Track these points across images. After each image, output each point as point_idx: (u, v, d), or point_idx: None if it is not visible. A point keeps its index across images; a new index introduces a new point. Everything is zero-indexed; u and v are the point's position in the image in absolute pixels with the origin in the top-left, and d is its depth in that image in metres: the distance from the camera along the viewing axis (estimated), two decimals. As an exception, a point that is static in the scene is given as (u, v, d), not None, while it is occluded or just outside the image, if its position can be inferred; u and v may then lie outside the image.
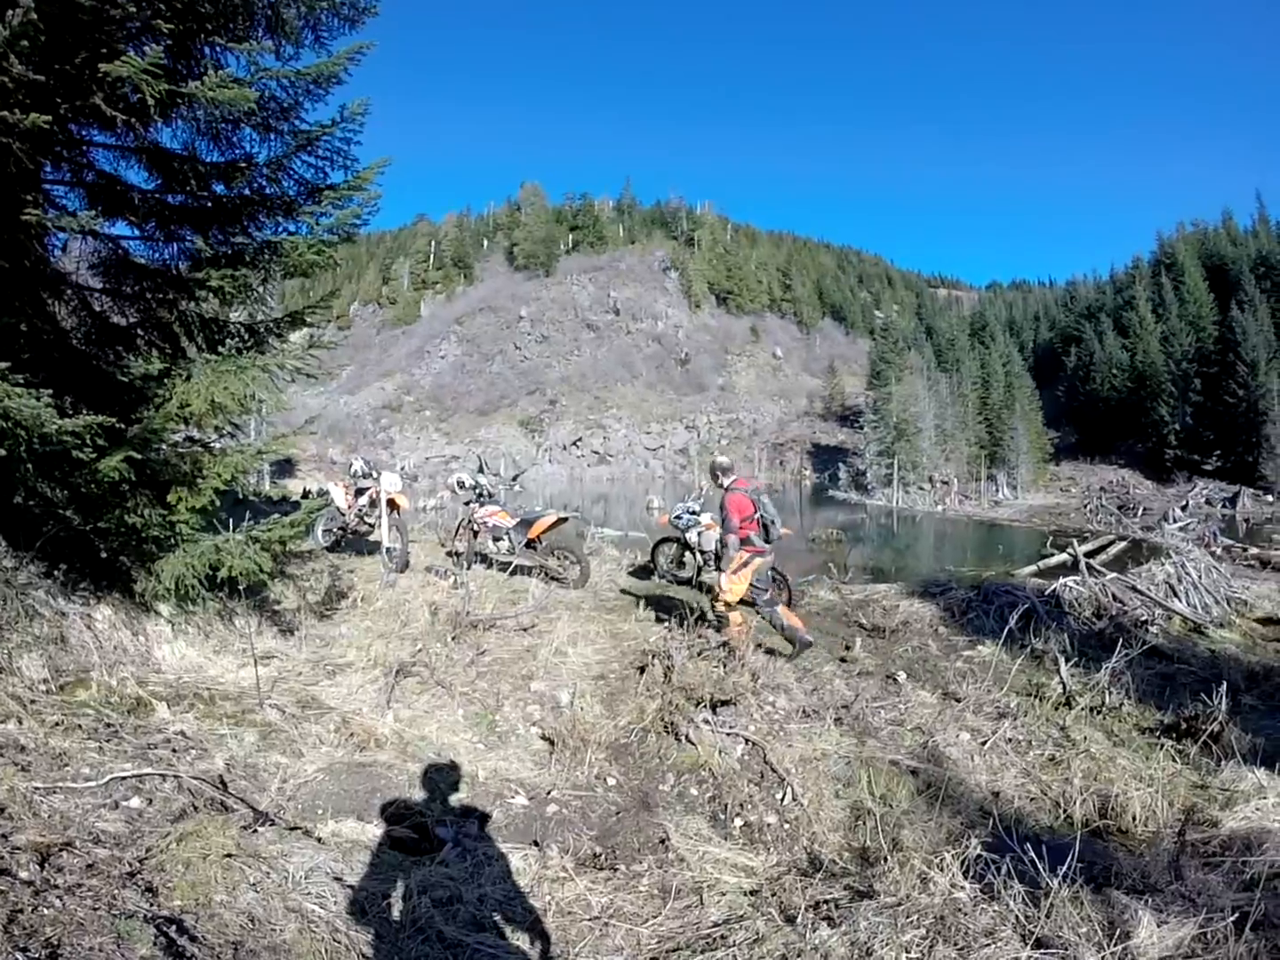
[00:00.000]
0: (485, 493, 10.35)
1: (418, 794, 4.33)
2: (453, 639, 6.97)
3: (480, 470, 10.84)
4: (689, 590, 9.55)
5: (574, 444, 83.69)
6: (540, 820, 4.32)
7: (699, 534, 9.66)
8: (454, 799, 4.41)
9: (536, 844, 4.01)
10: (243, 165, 5.96)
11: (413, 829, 3.97)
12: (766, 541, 7.20)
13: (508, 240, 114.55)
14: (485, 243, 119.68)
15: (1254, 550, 27.05)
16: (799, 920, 3.14)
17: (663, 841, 4.13)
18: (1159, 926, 3.04)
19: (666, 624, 7.62)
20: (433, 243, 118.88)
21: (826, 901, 3.36)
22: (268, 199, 6.13)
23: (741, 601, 7.40)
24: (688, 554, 10.13)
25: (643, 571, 10.78)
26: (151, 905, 2.71)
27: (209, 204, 6.03)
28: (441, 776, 4.54)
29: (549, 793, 4.62)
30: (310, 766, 4.36)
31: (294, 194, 6.20)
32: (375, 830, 3.89)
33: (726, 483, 7.37)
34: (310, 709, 5.21)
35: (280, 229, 6.23)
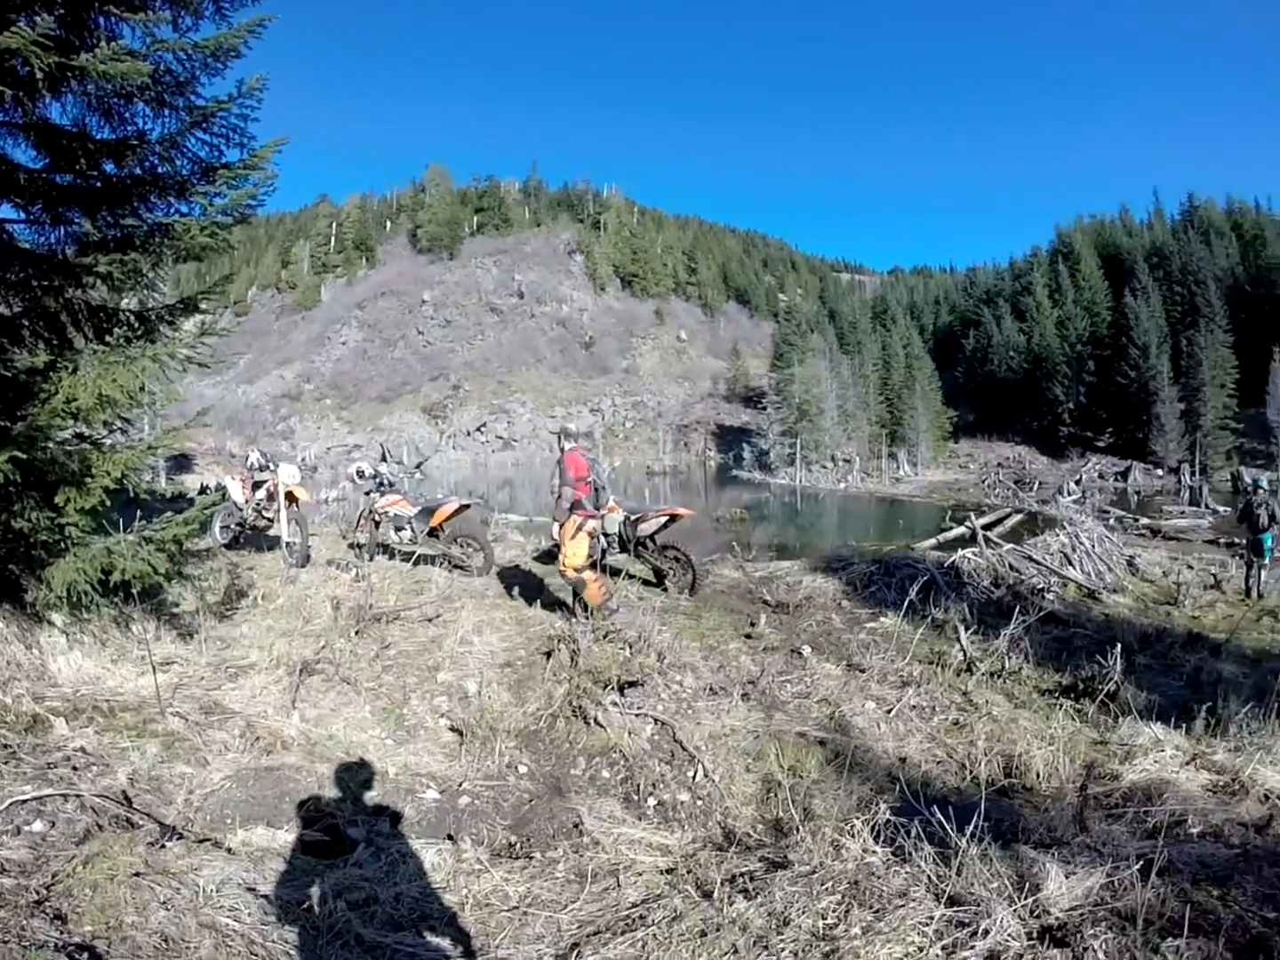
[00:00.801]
0: (386, 482, 10.16)
1: (328, 795, 4.28)
2: (356, 634, 6.79)
3: (383, 459, 10.66)
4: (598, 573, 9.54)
5: (478, 429, 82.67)
6: (453, 813, 4.31)
7: (602, 517, 9.63)
8: (365, 798, 4.36)
9: (450, 838, 4.00)
10: (135, 143, 5.65)
11: (325, 832, 3.92)
12: (595, 507, 7.46)
13: (411, 222, 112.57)
14: (388, 225, 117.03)
15: (1145, 520, 29.41)
16: (716, 895, 3.17)
17: (577, 826, 4.16)
18: (1067, 878, 3.12)
19: (572, 608, 7.60)
20: (334, 225, 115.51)
21: (742, 874, 3.40)
22: (160, 178, 5.83)
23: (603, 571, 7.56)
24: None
25: (548, 556, 10.63)
26: (62, 933, 2.65)
27: (98, 184, 5.71)
28: (351, 776, 4.48)
29: (460, 785, 4.61)
30: (217, 775, 4.26)
31: (187, 173, 5.92)
32: (287, 836, 3.82)
33: (568, 446, 7.62)
34: (214, 715, 5.02)
35: (172, 210, 5.94)
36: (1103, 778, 4.91)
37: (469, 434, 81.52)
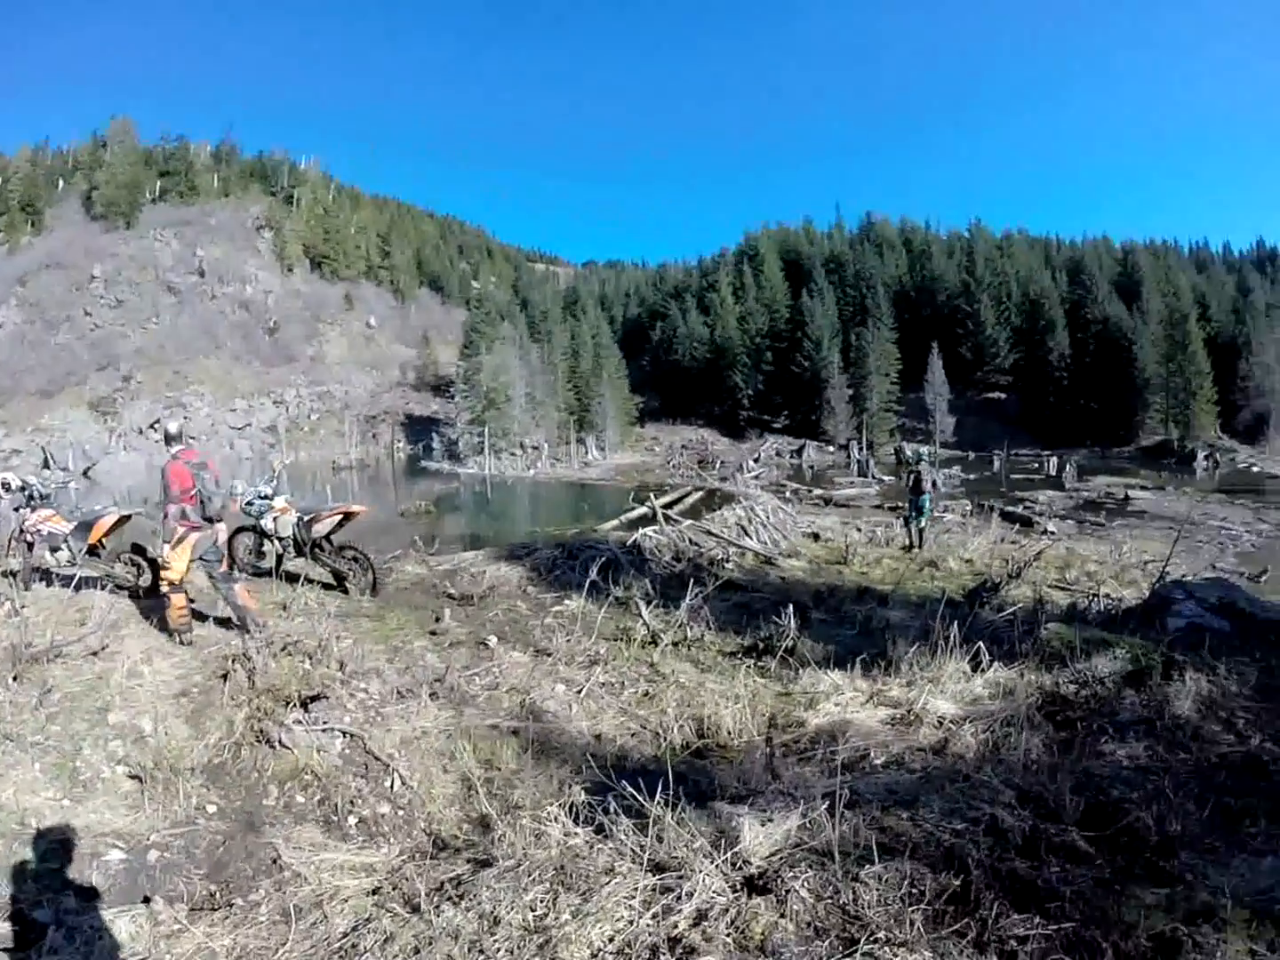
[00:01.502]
0: (37, 494, 8.63)
1: (5, 878, 3.73)
2: (14, 679, 5.73)
3: (46, 465, 9.07)
4: (275, 581, 8.78)
5: (152, 426, 71.47)
6: (144, 871, 3.94)
7: (274, 519, 9.02)
8: (48, 872, 3.86)
9: (146, 899, 3.68)
10: None
11: (11, 920, 3.47)
12: (204, 517, 6.89)
13: (87, 183, 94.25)
14: (61, 184, 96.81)
15: (818, 491, 33.25)
16: (424, 907, 3.13)
17: (276, 861, 3.98)
18: (763, 825, 3.25)
19: (244, 623, 7.02)
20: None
21: (449, 880, 3.38)
22: None
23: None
24: (266, 542, 9.33)
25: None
26: None
27: None
28: (30, 850, 3.97)
29: (149, 838, 4.21)
30: None
31: None
32: (-37, 939, 3.30)
33: (173, 450, 6.89)
34: None
35: None
36: (790, 726, 5.28)
37: (141, 432, 70.22)
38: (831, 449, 63.63)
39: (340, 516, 8.89)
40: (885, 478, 41.33)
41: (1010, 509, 25.46)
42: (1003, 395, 71.09)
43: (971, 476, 44.45)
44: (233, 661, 5.68)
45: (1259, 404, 59.19)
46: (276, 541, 9.06)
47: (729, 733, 5.51)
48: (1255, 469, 49.64)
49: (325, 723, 5.09)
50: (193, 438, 70.74)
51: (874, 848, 2.96)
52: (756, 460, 55.94)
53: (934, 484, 15.05)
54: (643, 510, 16.76)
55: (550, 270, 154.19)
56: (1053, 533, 20.39)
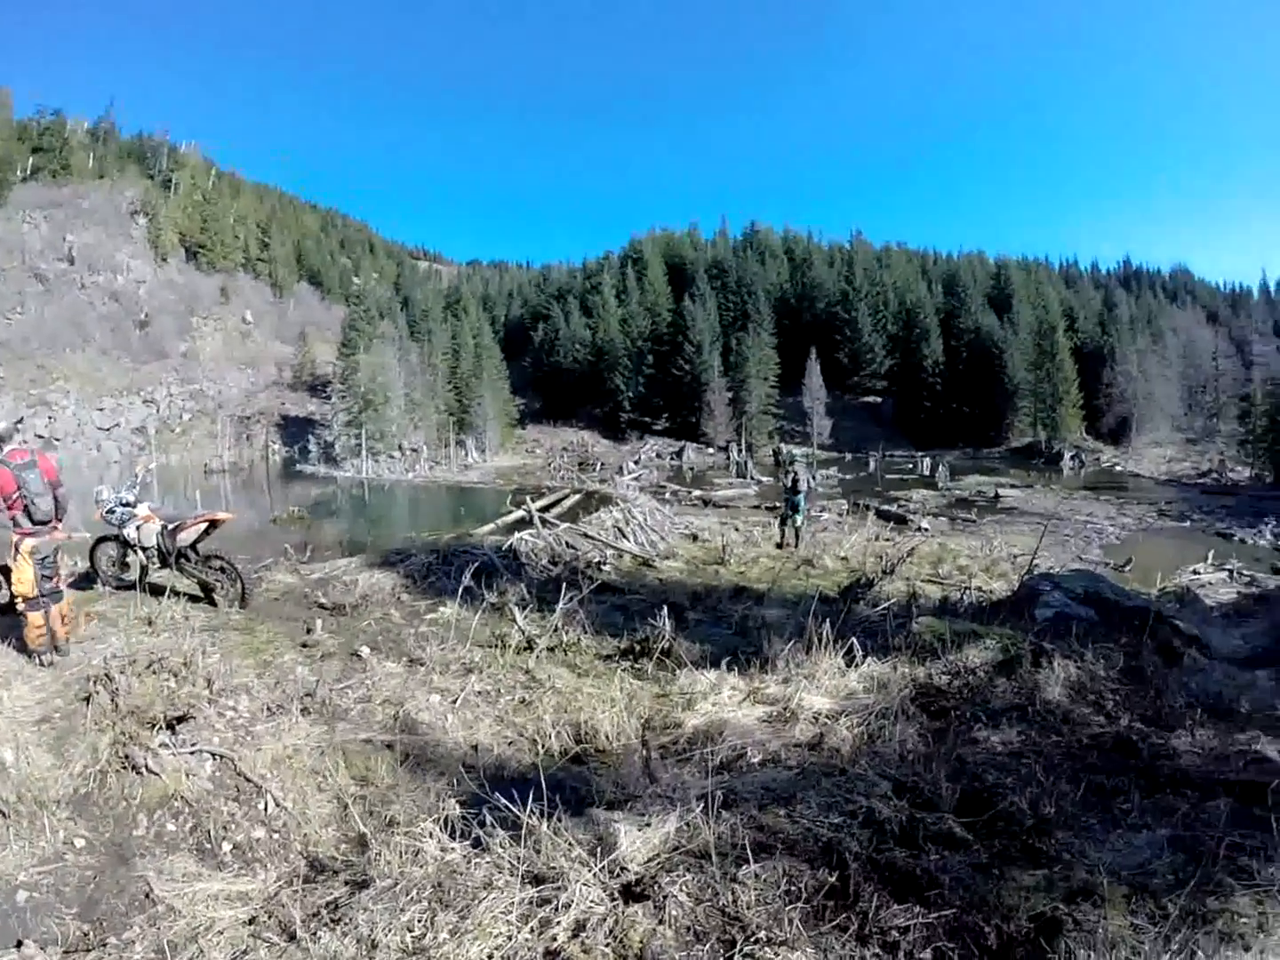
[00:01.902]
0: None
1: None
2: None
3: None
4: (138, 594, 8.23)
5: (15, 427, 66.18)
6: (15, 914, 3.73)
7: (137, 528, 8.58)
8: None
9: (19, 943, 3.51)
10: None
11: None
12: (33, 521, 6.48)
13: None
14: None
15: (698, 492, 33.80)
16: (300, 935, 3.06)
17: (149, 895, 3.81)
18: (640, 830, 3.22)
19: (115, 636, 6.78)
20: None
21: (327, 905, 3.30)
22: None
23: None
24: (130, 553, 8.85)
25: (85, 580, 9.19)
26: None
27: None
28: None
29: (17, 878, 3.99)
30: None
31: None
32: None
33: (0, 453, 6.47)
34: None
35: None
36: (668, 727, 5.27)
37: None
38: (711, 451, 65.07)
39: (206, 524, 8.56)
40: (764, 478, 42.47)
41: (885, 508, 26.51)
42: (879, 399, 74.15)
43: (848, 477, 46.11)
44: (94, 683, 5.35)
45: (1122, 408, 64.40)
46: (140, 552, 8.62)
47: (607, 737, 5.50)
48: (1119, 468, 53.67)
49: (193, 745, 4.88)
50: (57, 439, 66.22)
51: (752, 847, 2.95)
52: (637, 462, 56.63)
53: (809, 484, 15.44)
54: (520, 514, 16.63)
55: (433, 268, 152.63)
56: (926, 530, 21.27)
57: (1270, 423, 42.50)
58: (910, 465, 51.51)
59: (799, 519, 14.96)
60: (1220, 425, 59.35)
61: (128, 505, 8.63)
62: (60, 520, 6.70)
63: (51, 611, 6.48)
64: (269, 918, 3.38)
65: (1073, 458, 55.17)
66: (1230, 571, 16.86)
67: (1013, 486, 38.44)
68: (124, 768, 4.78)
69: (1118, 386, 64.53)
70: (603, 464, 55.92)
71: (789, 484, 15.04)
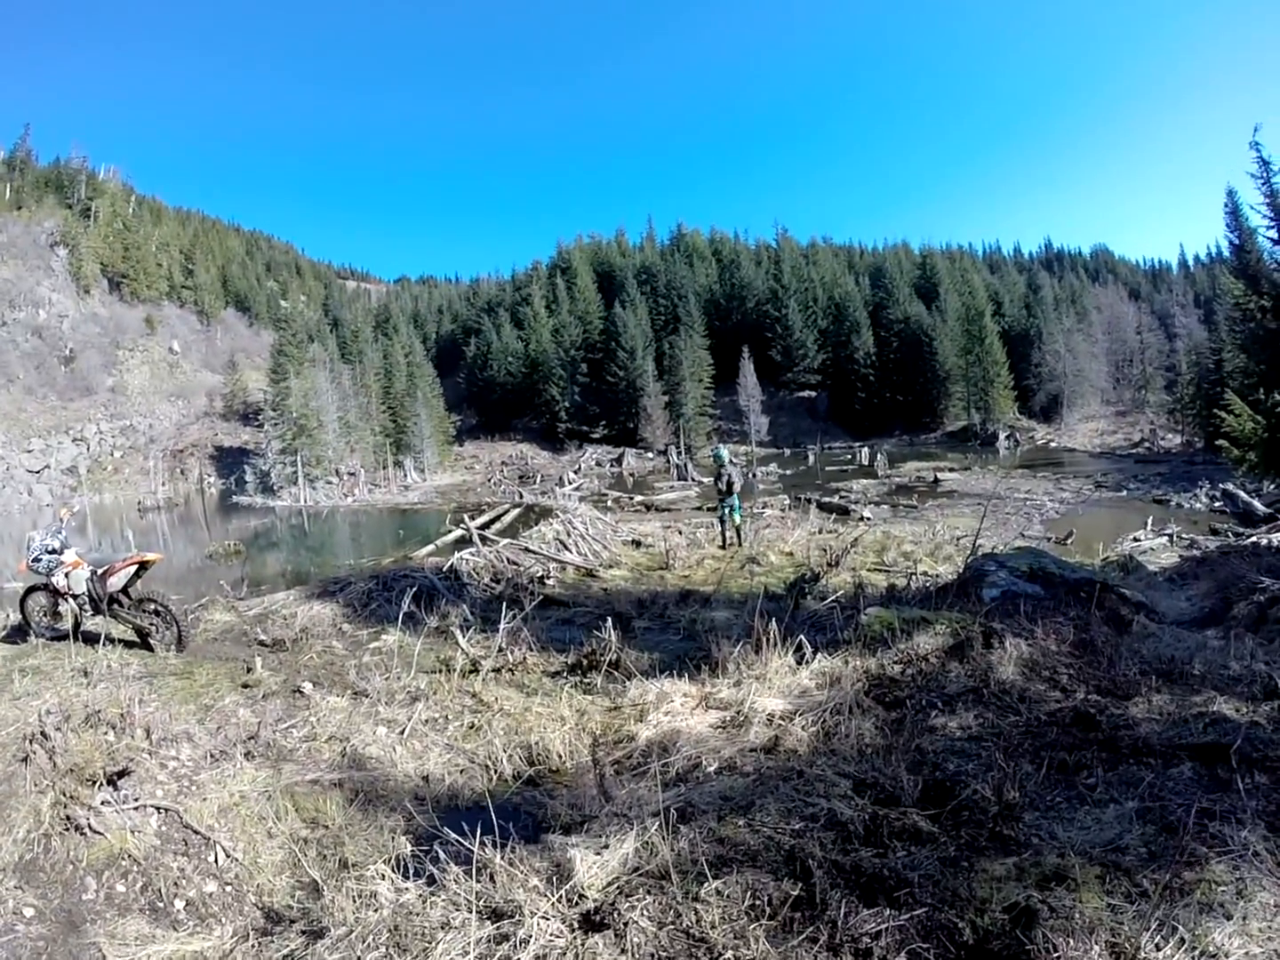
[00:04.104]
0: None
1: None
2: None
3: None
4: (74, 644, 7.87)
5: None
6: None
7: (66, 575, 8.31)
8: None
9: None
10: None
11: None
12: None
13: None
14: None
15: (639, 498, 33.71)
16: None
17: None
18: (598, 855, 3.12)
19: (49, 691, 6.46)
20: None
21: (283, 959, 3.23)
22: None
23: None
24: (61, 601, 8.55)
25: (18, 633, 8.86)
26: None
27: None
28: None
29: None
30: None
31: None
32: None
33: None
34: None
35: None
36: (620, 742, 5.18)
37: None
38: (651, 455, 65.23)
39: (135, 566, 8.30)
40: (705, 480, 42.65)
41: (827, 500, 26.71)
42: (813, 393, 75.00)
43: (788, 472, 46.54)
44: (30, 742, 5.11)
45: (1052, 387, 66.53)
46: (71, 600, 8.36)
47: (559, 756, 5.42)
48: (1053, 444, 55.45)
49: (136, 799, 4.68)
50: None
51: (713, 862, 2.86)
52: (577, 471, 56.52)
53: (740, 480, 15.50)
54: (460, 532, 16.36)
55: (362, 287, 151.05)
56: (869, 519, 21.47)
57: (1197, 390, 43.94)
58: (849, 456, 52.15)
59: (738, 518, 14.97)
60: (1149, 396, 61.80)
61: (53, 552, 8.36)
62: None
63: None
64: (221, 976, 3.26)
65: (1008, 438, 56.82)
66: (1170, 536, 17.23)
67: (951, 470, 39.15)
68: (68, 829, 4.58)
69: (1047, 366, 66.62)
70: (543, 476, 55.66)
71: (723, 487, 15.06)
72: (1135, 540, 17.07)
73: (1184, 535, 17.36)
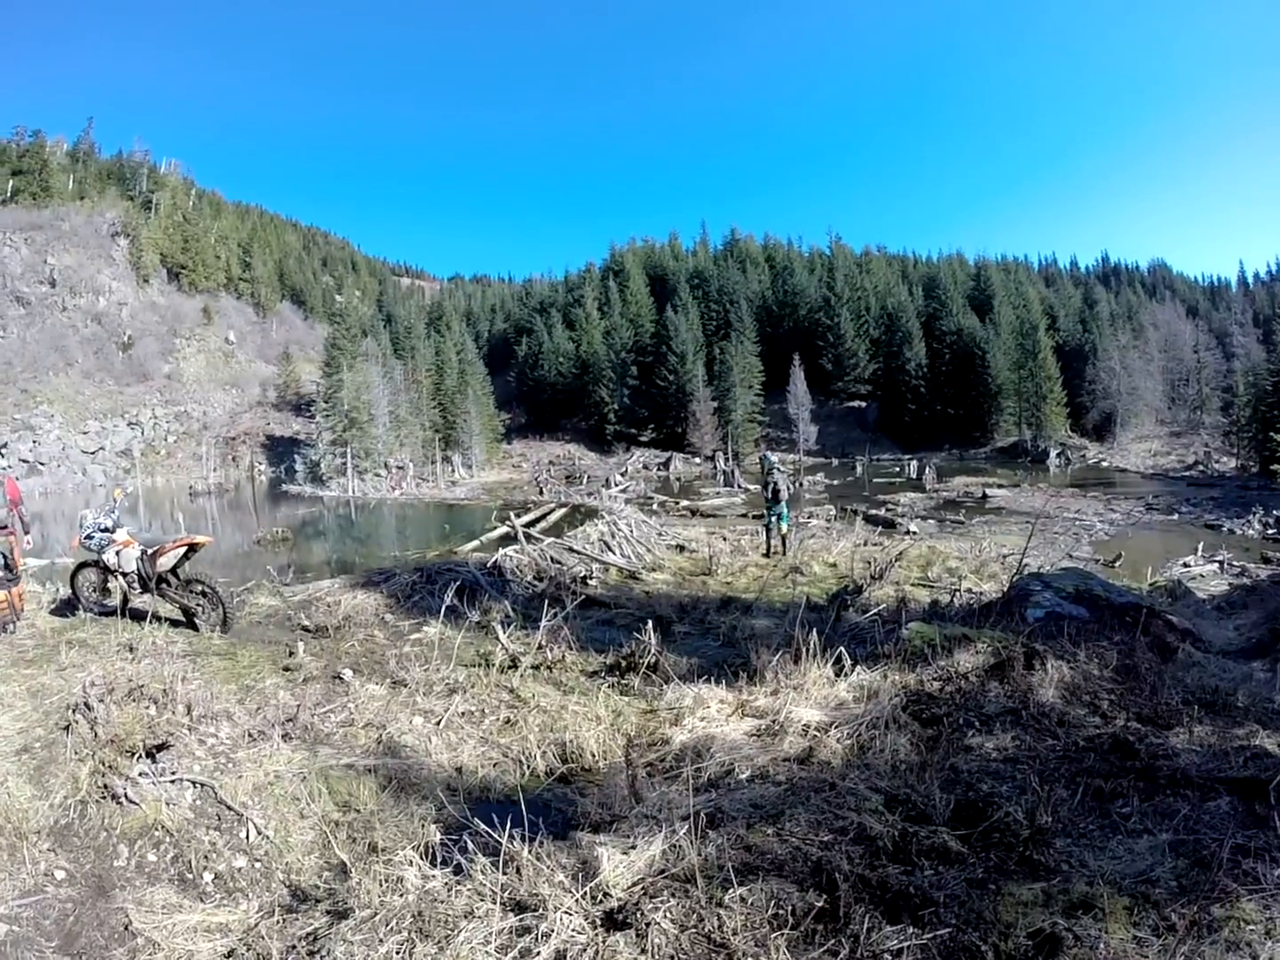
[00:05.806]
0: None
1: None
2: None
3: None
4: (121, 621, 8.18)
5: None
6: None
7: (116, 554, 8.55)
8: None
9: None
10: None
11: None
12: None
13: None
14: None
15: (685, 503, 33.74)
16: None
17: (128, 927, 3.74)
18: (625, 854, 3.13)
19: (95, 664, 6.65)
20: None
21: (306, 936, 3.24)
22: None
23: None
24: (111, 578, 8.83)
25: (67, 607, 9.14)
26: None
27: None
28: None
29: None
30: None
31: None
32: None
33: None
34: None
35: None
36: (654, 744, 5.17)
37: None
38: (698, 460, 65.25)
39: (185, 548, 8.47)
40: (751, 486, 42.49)
41: (873, 512, 26.46)
42: (863, 403, 74.34)
43: (835, 482, 46.18)
44: (74, 712, 5.29)
45: (1105, 405, 64.79)
46: (120, 577, 8.57)
47: (593, 755, 5.44)
48: (1105, 464, 54.09)
49: (174, 773, 4.78)
50: (42, 463, 65.78)
51: (739, 869, 2.86)
52: (624, 474, 56.62)
53: (789, 489, 15.46)
54: (505, 529, 16.50)
55: (416, 284, 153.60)
56: (914, 533, 21.20)
57: (1253, 413, 42.88)
58: (897, 468, 51.67)
59: (784, 525, 14.92)
60: (1204, 417, 60.11)
61: (106, 531, 8.59)
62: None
63: (13, 591, 7.64)
64: (248, 950, 3.34)
65: (1058, 455, 55.68)
66: (1220, 563, 16.83)
67: (1000, 486, 38.56)
68: (104, 798, 4.71)
69: (1100, 383, 64.96)
70: (589, 477, 55.90)
71: (769, 495, 15.01)
72: (1185, 565, 16.67)
73: (1235, 562, 16.95)
